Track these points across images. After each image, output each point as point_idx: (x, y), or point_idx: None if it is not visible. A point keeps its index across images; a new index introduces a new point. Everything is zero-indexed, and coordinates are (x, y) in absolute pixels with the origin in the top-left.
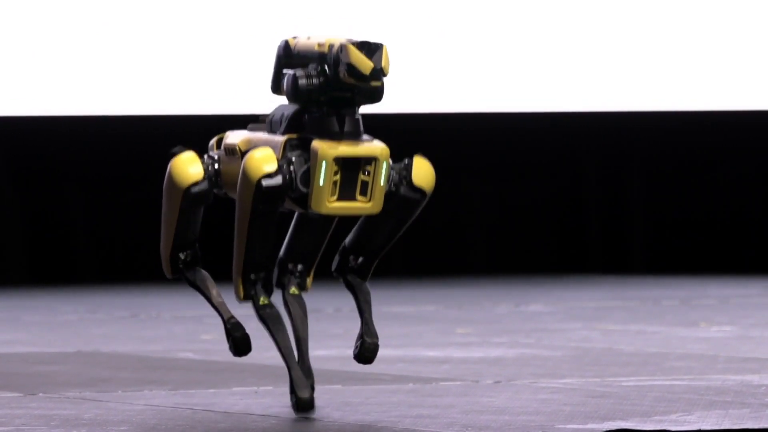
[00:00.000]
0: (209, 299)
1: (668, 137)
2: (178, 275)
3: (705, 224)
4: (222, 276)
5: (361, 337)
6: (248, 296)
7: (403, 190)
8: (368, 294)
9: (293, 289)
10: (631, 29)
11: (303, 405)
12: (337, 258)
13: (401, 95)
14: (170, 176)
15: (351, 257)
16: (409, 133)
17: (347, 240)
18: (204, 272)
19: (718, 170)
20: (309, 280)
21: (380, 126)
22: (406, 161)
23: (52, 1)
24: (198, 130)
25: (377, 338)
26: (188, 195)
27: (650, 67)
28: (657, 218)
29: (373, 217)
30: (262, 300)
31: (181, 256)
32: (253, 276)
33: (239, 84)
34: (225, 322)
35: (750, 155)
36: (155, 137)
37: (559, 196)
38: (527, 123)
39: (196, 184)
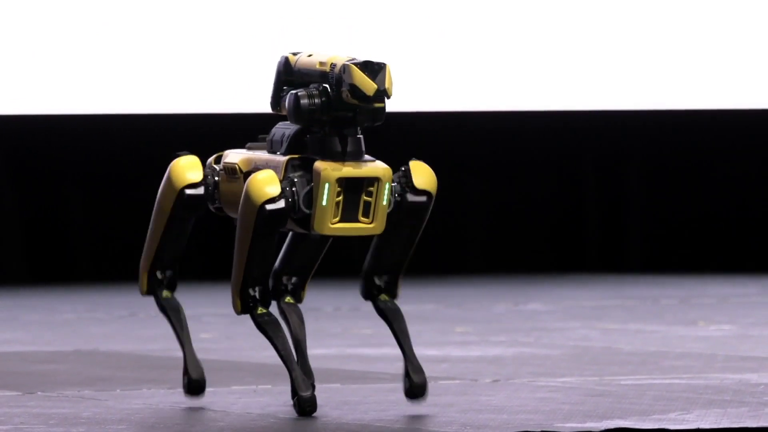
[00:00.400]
0: (176, 332)
1: (667, 136)
2: (151, 294)
3: (704, 223)
4: (214, 278)
5: (407, 374)
6: (246, 310)
7: (408, 196)
8: (403, 321)
9: (288, 298)
10: (630, 28)
11: (305, 404)
12: (362, 283)
13: (400, 94)
14: (167, 177)
15: (375, 278)
16: (407, 131)
17: (366, 264)
18: (176, 302)
19: (717, 169)
20: (303, 293)
21: (379, 126)
22: (403, 168)
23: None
24: (197, 129)
25: (424, 373)
26: (182, 197)
27: (649, 66)
28: (656, 217)
29: (383, 235)
30: (260, 310)
31: (158, 275)
32: (251, 291)
33: (239, 83)
34: (185, 360)
35: (749, 154)
36: (154, 136)
37: (558, 195)
38: (525, 122)
39: (192, 186)
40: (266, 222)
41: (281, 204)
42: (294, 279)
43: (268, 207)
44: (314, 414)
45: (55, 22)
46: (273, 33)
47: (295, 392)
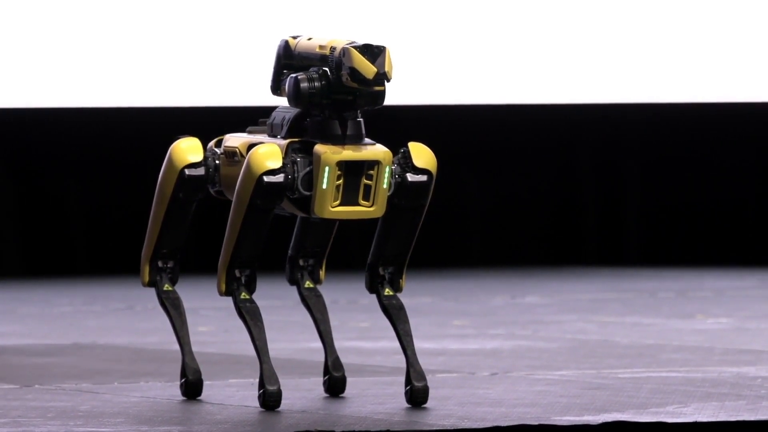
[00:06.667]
0: (175, 330)
1: (664, 129)
2: (153, 286)
3: (701, 216)
4: (212, 271)
5: (409, 381)
6: (230, 291)
7: (409, 177)
8: (407, 322)
9: (308, 283)
10: (627, 20)
11: (270, 398)
12: (367, 275)
13: (397, 87)
14: (168, 158)
15: (380, 269)
16: (404, 124)
17: (371, 256)
18: (177, 296)
19: (714, 162)
20: (321, 273)
21: (376, 118)
22: (403, 150)
23: None
24: (196, 123)
25: (425, 379)
26: (182, 178)
27: (646, 59)
28: (653, 210)
29: (386, 221)
30: (243, 295)
31: (160, 264)
32: (237, 272)
33: (238, 76)
34: (184, 361)
35: (746, 147)
36: (152, 129)
37: (555, 188)
38: (523, 114)
39: (193, 166)
40: (263, 194)
41: (280, 178)
42: (311, 261)
43: (266, 179)
44: (310, 407)
45: (50, 15)
46: (271, 24)
47: (262, 385)
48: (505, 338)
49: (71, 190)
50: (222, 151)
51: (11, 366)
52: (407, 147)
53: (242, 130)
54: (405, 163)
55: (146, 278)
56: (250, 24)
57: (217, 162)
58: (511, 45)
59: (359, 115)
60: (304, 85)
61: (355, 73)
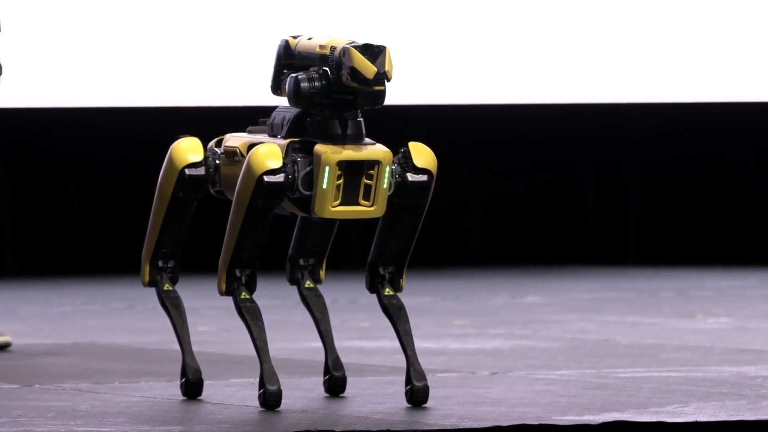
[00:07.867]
0: (175, 330)
1: (664, 128)
2: (153, 286)
3: (702, 215)
4: (212, 270)
5: (409, 381)
6: (230, 291)
7: (409, 176)
8: (407, 322)
9: (308, 283)
10: (628, 20)
11: (271, 397)
12: (367, 275)
13: (397, 87)
14: (168, 158)
15: (380, 269)
16: (405, 124)
17: (371, 255)
18: (177, 295)
19: (714, 161)
20: (322, 273)
21: (376, 117)
22: (403, 150)
23: None
24: (196, 123)
25: (426, 378)
26: (183, 177)
27: (646, 59)
28: (653, 209)
29: (386, 221)
30: (243, 294)
31: (160, 263)
32: (238, 272)
33: (238, 76)
34: (184, 360)
35: (747, 146)
36: (152, 129)
37: (556, 187)
38: (523, 114)
39: (193, 165)
40: (263, 194)
41: (280, 178)
42: (311, 260)
43: (267, 179)
44: (309, 406)
45: (51, 15)
46: (271, 32)
47: (262, 384)
48: (506, 338)
49: (71, 189)
50: (222, 150)
51: (12, 365)
52: (407, 147)
53: (242, 130)
54: (405, 162)
55: (146, 278)
56: (250, 24)
57: (217, 162)
58: (511, 45)
59: (359, 115)
60: (304, 84)
61: (355, 72)
